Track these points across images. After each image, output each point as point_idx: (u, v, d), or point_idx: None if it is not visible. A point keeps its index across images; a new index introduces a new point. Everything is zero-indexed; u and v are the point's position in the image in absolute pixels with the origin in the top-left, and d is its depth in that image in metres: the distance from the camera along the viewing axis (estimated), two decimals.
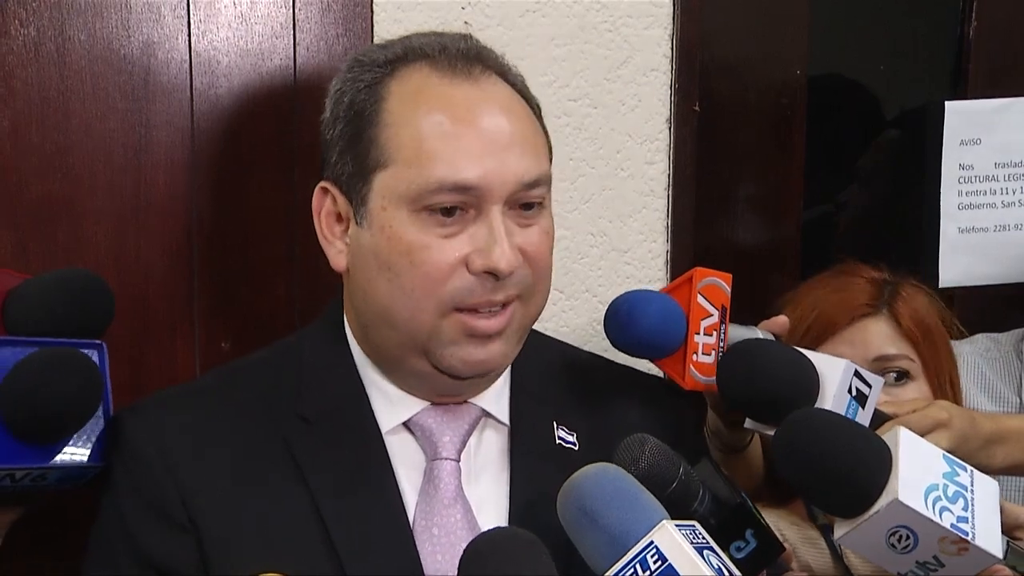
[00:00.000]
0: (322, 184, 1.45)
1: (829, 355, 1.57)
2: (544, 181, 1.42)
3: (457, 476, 1.45)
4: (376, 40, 1.87)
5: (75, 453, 1.38)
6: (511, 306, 1.41)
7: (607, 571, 1.20)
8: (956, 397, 1.88)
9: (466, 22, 1.93)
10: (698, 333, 1.55)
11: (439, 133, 1.37)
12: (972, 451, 1.65)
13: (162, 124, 1.77)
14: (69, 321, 1.41)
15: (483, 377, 1.46)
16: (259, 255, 1.85)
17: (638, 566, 1.19)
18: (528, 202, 1.41)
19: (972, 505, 1.32)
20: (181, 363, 1.81)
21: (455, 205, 1.36)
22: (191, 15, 1.78)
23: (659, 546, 1.19)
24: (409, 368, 1.44)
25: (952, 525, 1.28)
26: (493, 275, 1.37)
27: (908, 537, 1.29)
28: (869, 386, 1.53)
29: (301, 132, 1.84)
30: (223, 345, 1.84)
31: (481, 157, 1.36)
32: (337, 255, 1.45)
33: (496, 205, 1.37)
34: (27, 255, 1.70)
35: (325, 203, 1.45)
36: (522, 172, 1.38)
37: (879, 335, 1.87)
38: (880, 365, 1.83)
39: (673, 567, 1.18)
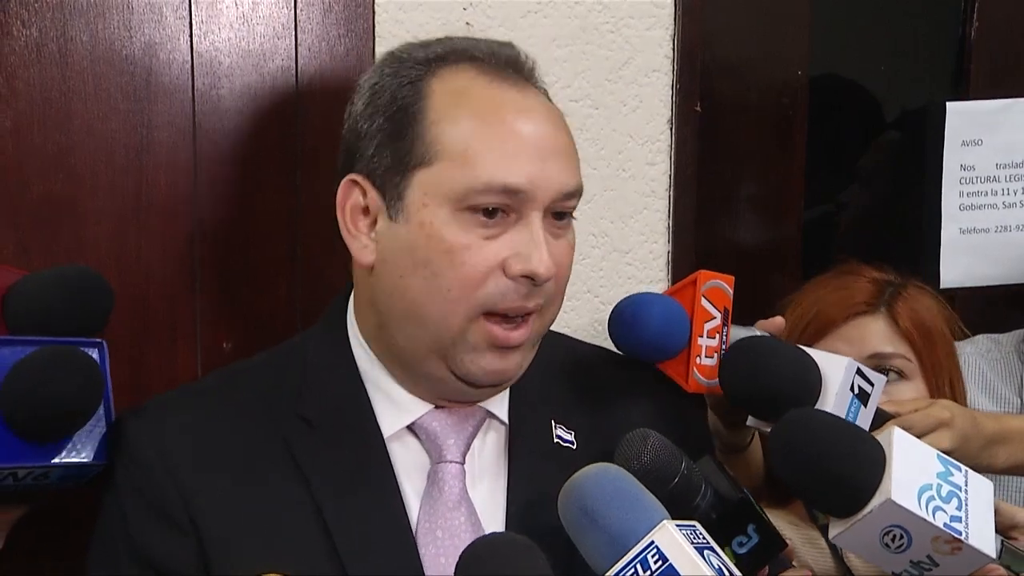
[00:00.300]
0: (351, 177, 1.43)
1: (831, 353, 1.57)
2: (579, 193, 1.43)
3: (461, 479, 1.45)
4: (378, 40, 1.87)
5: (77, 452, 1.38)
6: (531, 317, 1.41)
7: (608, 571, 1.20)
8: (956, 399, 1.88)
9: (468, 23, 1.94)
10: (701, 336, 1.56)
11: (488, 134, 1.37)
12: (974, 451, 1.65)
13: (164, 125, 1.77)
14: (68, 316, 1.41)
15: (496, 387, 1.46)
16: (261, 256, 1.85)
17: (639, 566, 1.19)
18: (563, 211, 1.42)
19: (966, 505, 1.32)
20: (182, 364, 1.81)
21: (498, 207, 1.36)
22: (193, 16, 1.78)
23: (660, 546, 1.19)
24: (425, 370, 1.43)
25: (945, 524, 1.29)
26: (530, 280, 1.37)
27: (902, 537, 1.30)
28: (872, 384, 1.53)
29: (303, 133, 1.84)
30: (225, 346, 1.84)
31: (528, 162, 1.36)
32: (362, 249, 1.43)
33: (537, 211, 1.38)
34: (29, 255, 1.70)
35: (352, 196, 1.44)
36: (564, 181, 1.39)
37: (875, 333, 1.87)
38: (874, 362, 1.83)
39: (674, 567, 1.18)
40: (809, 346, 1.83)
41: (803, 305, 1.92)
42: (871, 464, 1.31)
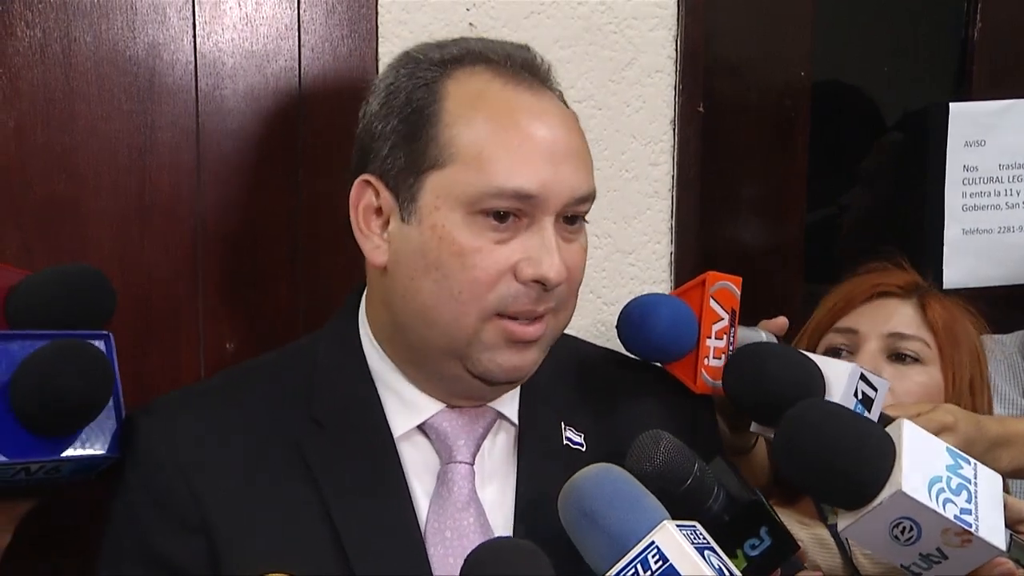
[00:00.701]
0: (364, 177, 1.43)
1: (835, 359, 1.57)
2: (592, 197, 1.44)
3: (471, 479, 1.45)
4: (381, 41, 1.87)
5: (88, 444, 1.38)
6: (546, 316, 1.41)
7: (608, 571, 1.20)
8: (976, 405, 1.86)
9: (471, 23, 1.94)
10: (710, 337, 1.56)
11: (501, 139, 1.36)
12: (978, 455, 1.64)
13: (167, 125, 1.78)
14: (69, 314, 1.41)
15: (512, 384, 1.46)
16: (263, 256, 1.85)
17: (639, 566, 1.19)
18: (575, 215, 1.42)
19: (975, 497, 1.32)
20: (185, 364, 1.81)
21: (510, 211, 1.36)
22: (196, 16, 1.78)
23: (660, 546, 1.19)
24: (439, 370, 1.44)
25: (955, 517, 1.28)
26: (541, 284, 1.37)
27: (911, 529, 1.29)
28: (875, 389, 1.53)
29: (306, 134, 1.84)
30: (227, 346, 1.84)
31: (542, 167, 1.36)
32: (374, 250, 1.43)
33: (549, 216, 1.38)
34: (32, 255, 1.70)
35: (365, 196, 1.43)
36: (577, 186, 1.39)
37: (900, 314, 1.87)
38: (893, 342, 1.83)
39: (674, 567, 1.18)
40: (831, 324, 1.85)
41: (836, 290, 1.93)
42: (880, 455, 1.31)
